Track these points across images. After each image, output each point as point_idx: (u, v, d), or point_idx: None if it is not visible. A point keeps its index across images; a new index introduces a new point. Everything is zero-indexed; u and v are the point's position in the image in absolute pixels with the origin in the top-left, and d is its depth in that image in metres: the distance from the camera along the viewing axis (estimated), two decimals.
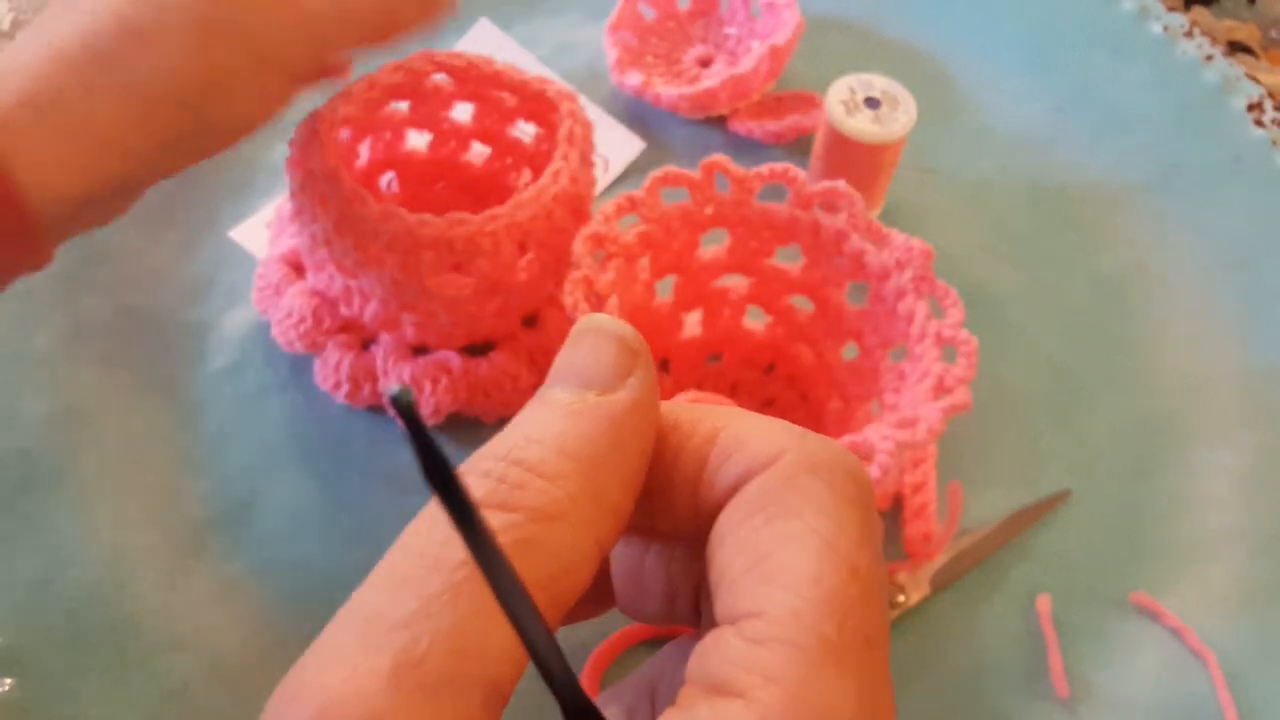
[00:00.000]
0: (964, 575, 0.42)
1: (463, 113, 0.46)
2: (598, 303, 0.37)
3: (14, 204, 0.29)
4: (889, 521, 0.42)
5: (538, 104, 0.44)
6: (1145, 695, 0.40)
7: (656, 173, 0.40)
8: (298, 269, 0.45)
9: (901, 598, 0.40)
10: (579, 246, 0.37)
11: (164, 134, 0.32)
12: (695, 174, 0.40)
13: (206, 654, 0.39)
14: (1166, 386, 0.48)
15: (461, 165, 0.48)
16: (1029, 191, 0.54)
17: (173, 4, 0.32)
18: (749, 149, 0.54)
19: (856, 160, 0.47)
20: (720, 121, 0.55)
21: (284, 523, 0.42)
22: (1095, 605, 0.42)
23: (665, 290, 0.43)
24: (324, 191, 0.39)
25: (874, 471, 0.33)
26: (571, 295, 0.36)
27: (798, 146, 0.54)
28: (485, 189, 0.48)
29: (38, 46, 0.31)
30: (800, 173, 0.40)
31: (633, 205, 0.40)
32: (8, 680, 0.37)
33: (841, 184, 0.39)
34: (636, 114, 0.55)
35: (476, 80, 0.44)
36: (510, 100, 0.45)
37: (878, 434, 0.34)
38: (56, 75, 0.30)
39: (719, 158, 0.40)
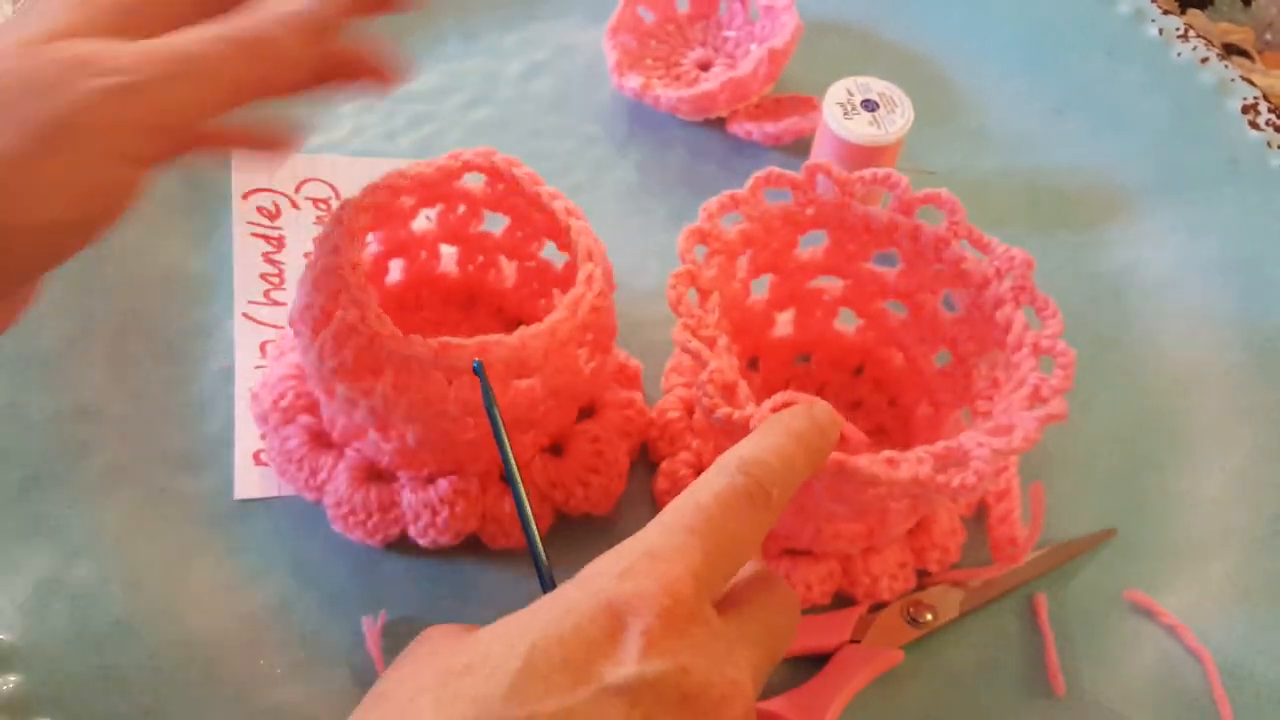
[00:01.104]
0: (994, 601, 0.42)
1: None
2: (701, 298, 0.37)
3: None
4: (974, 528, 0.43)
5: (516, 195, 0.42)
6: (1142, 693, 0.40)
7: (760, 173, 0.40)
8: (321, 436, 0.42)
9: (930, 616, 0.40)
10: (682, 243, 0.38)
11: None
12: (798, 175, 0.40)
13: (208, 652, 0.39)
14: (1162, 386, 0.48)
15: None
16: (1026, 193, 0.54)
17: None
18: (747, 151, 0.54)
19: (854, 162, 0.48)
20: (719, 124, 0.55)
21: (284, 522, 0.42)
22: (1091, 603, 0.42)
23: (760, 288, 0.44)
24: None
25: (970, 478, 0.33)
26: (675, 289, 0.37)
27: (796, 148, 0.54)
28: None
29: None
30: (903, 178, 0.40)
31: (735, 203, 0.40)
32: (12, 677, 0.37)
33: (944, 191, 0.40)
34: (636, 116, 0.56)
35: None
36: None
37: (973, 441, 0.34)
38: None
39: (823, 162, 0.40)
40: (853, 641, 0.39)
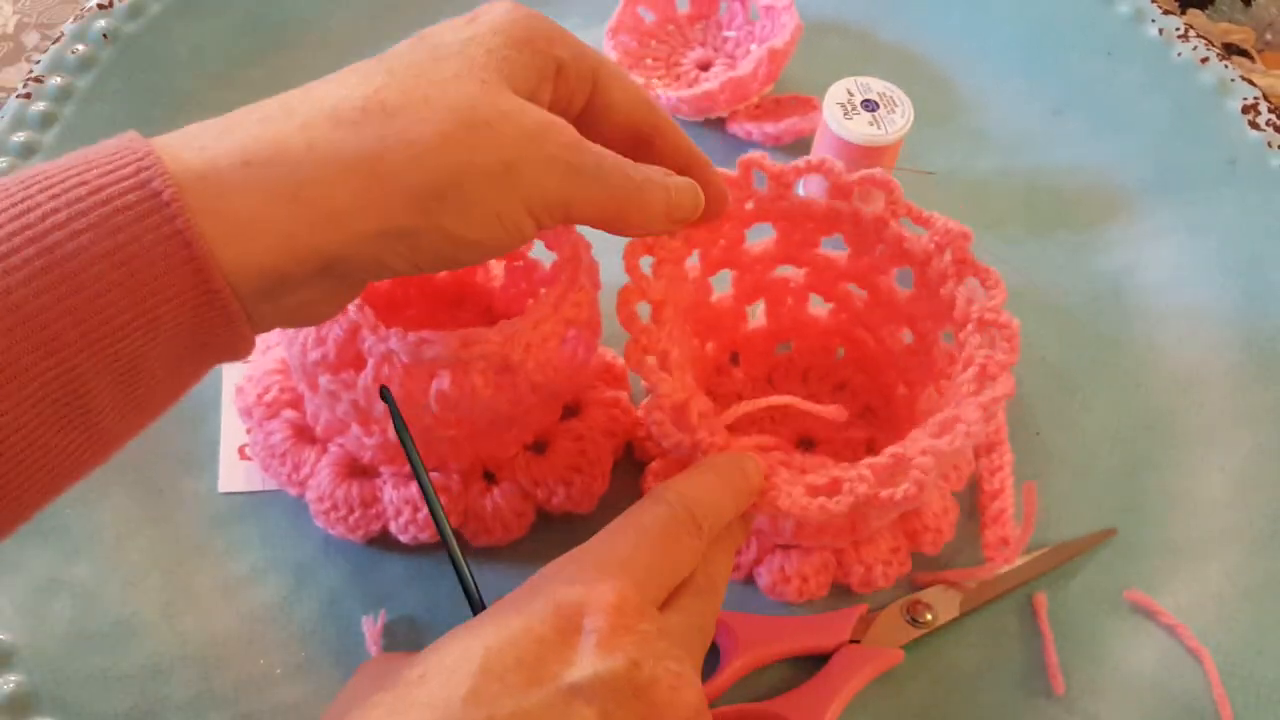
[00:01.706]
0: (994, 601, 0.42)
1: None
2: (657, 309, 0.37)
3: (203, 270, 0.25)
4: (972, 528, 0.42)
5: None
6: (1141, 692, 0.40)
7: None
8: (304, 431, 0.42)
9: (930, 616, 0.40)
10: (627, 259, 0.38)
11: (384, 219, 0.28)
12: (732, 172, 0.40)
13: (208, 652, 0.39)
14: (1161, 386, 0.48)
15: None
16: (1026, 193, 0.54)
17: (434, 96, 0.29)
18: (747, 151, 0.54)
19: (854, 162, 0.48)
20: (719, 124, 0.55)
21: (284, 522, 0.42)
22: (1091, 603, 0.42)
23: (723, 285, 0.44)
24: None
25: (910, 489, 0.33)
26: (625, 307, 0.37)
27: (796, 148, 0.54)
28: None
29: (271, 109, 0.28)
30: (836, 164, 0.40)
31: None
32: (12, 677, 0.37)
33: (878, 171, 0.39)
34: None
35: None
36: None
37: (915, 447, 0.34)
38: (281, 133, 0.27)
39: (755, 155, 0.40)
40: (853, 641, 0.39)
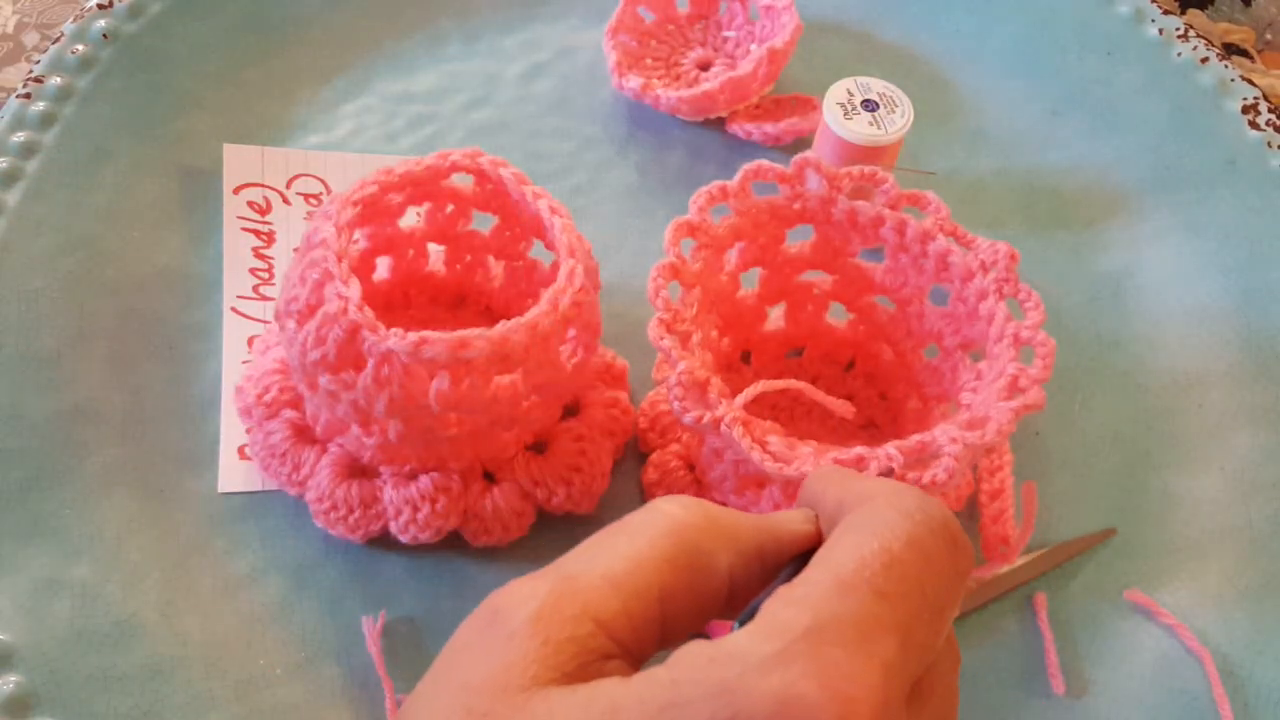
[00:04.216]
0: (994, 601, 0.42)
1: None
2: (688, 290, 0.37)
3: None
4: (968, 528, 0.42)
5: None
6: (1142, 692, 0.40)
7: (749, 166, 0.41)
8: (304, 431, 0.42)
9: None
10: (669, 235, 0.38)
11: None
12: (786, 169, 0.40)
13: (208, 652, 0.39)
14: (1161, 385, 0.48)
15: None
16: (1024, 193, 0.54)
17: None
18: (747, 151, 0.54)
19: (853, 162, 0.48)
20: (719, 124, 0.55)
21: (284, 521, 0.42)
22: (1091, 603, 0.42)
23: (750, 282, 0.44)
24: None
25: (940, 474, 0.33)
26: (655, 281, 0.37)
27: (796, 149, 0.54)
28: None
29: None
30: (889, 177, 0.40)
31: (725, 195, 0.40)
32: (12, 677, 0.37)
33: (930, 193, 0.40)
34: (636, 116, 0.56)
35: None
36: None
37: (945, 435, 0.34)
38: None
39: (811, 155, 0.40)
40: None
